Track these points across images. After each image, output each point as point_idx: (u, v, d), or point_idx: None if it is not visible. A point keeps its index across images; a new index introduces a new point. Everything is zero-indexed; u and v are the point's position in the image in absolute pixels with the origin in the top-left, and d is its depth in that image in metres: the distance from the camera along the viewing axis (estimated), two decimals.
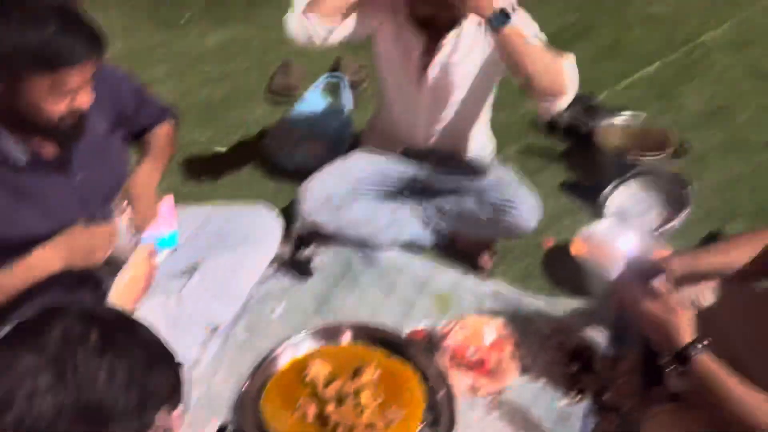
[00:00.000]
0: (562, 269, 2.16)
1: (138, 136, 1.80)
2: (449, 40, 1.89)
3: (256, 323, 1.95)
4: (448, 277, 2.10)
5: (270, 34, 3.45)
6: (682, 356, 1.34)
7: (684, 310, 1.40)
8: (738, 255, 1.57)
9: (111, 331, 0.88)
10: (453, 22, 1.88)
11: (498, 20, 1.68)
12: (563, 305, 2.03)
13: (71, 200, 1.55)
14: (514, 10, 1.74)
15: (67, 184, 1.53)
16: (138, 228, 1.64)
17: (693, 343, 1.34)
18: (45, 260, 1.45)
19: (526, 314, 1.99)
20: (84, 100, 1.38)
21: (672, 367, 1.37)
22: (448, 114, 2.06)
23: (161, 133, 1.82)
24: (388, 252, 2.17)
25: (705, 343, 1.33)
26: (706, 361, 1.30)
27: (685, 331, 1.37)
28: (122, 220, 1.63)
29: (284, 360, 1.83)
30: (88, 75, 1.36)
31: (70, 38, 1.29)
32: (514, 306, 2.01)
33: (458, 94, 2.01)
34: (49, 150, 1.48)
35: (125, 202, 1.64)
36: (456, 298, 2.03)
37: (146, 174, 1.69)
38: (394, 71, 2.03)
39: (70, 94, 1.34)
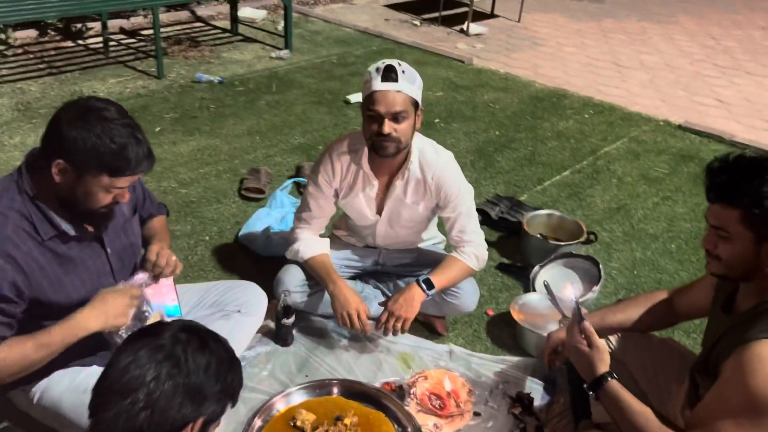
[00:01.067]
0: (502, 333, 2.58)
1: (141, 224, 2.15)
2: (399, 183, 2.31)
3: (248, 381, 2.23)
4: (410, 340, 2.47)
5: (235, 143, 3.92)
6: (599, 382, 1.74)
7: (602, 348, 1.81)
8: (633, 312, 2.02)
9: (205, 337, 1.22)
10: (398, 163, 2.29)
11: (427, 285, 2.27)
12: (505, 361, 2.42)
13: (104, 269, 1.85)
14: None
15: (102, 256, 1.84)
16: (161, 273, 1.92)
17: (607, 373, 1.74)
18: (86, 321, 1.70)
19: (476, 369, 2.37)
20: (125, 197, 1.71)
21: (591, 392, 1.77)
22: (400, 232, 2.48)
23: (161, 220, 2.18)
24: None
25: (615, 374, 1.74)
26: (615, 385, 1.68)
27: (602, 363, 1.76)
28: (143, 287, 1.95)
29: (276, 410, 2.12)
30: (134, 181, 1.70)
31: (134, 153, 1.60)
32: (466, 362, 2.40)
33: (407, 222, 2.44)
34: (87, 227, 1.78)
35: (146, 274, 1.96)
36: (417, 357, 2.40)
37: (159, 244, 2.01)
38: (355, 210, 2.43)
39: (118, 192, 1.67)
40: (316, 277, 2.39)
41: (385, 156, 2.20)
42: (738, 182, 1.48)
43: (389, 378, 2.30)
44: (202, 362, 1.17)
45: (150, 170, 1.70)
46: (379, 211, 2.40)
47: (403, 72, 2.11)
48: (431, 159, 2.29)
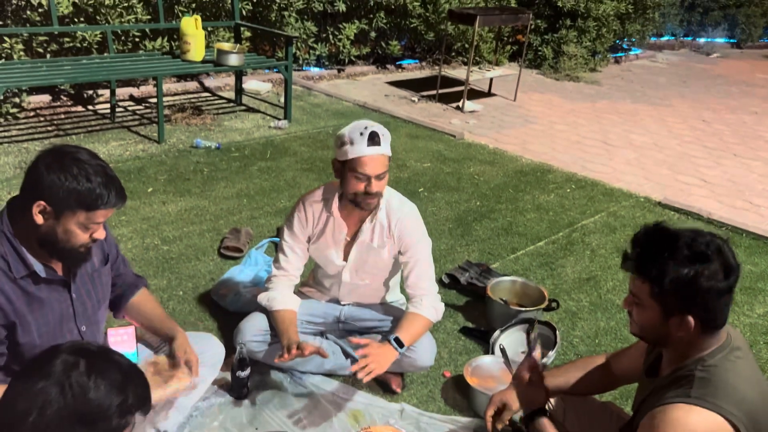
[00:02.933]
0: (456, 394, 2.62)
1: (119, 294, 2.23)
2: (366, 226, 2.47)
3: (199, 430, 2.29)
4: (363, 398, 2.52)
5: (222, 205, 4.08)
6: (531, 416, 1.80)
7: (540, 385, 1.85)
8: (572, 376, 2.08)
9: (94, 358, 1.27)
10: (369, 213, 2.45)
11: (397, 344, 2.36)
12: (455, 421, 2.45)
13: (68, 313, 1.95)
14: None
15: (66, 300, 1.94)
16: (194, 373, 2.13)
17: (540, 410, 1.81)
18: None
19: (425, 428, 2.41)
20: (101, 234, 1.85)
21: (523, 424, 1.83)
22: (365, 279, 2.59)
23: (151, 298, 2.29)
24: (314, 377, 2.59)
25: (548, 412, 1.80)
26: (545, 423, 1.76)
27: (537, 399, 1.83)
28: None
29: None
30: (108, 216, 1.84)
31: (107, 189, 1.76)
32: (416, 421, 2.43)
33: (372, 269, 2.56)
34: (56, 271, 1.91)
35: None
36: (368, 414, 2.44)
37: (183, 339, 2.18)
38: (323, 255, 2.56)
39: (93, 229, 1.80)
40: (276, 328, 2.47)
41: (367, 209, 2.39)
42: (647, 257, 1.54)
43: None
44: (90, 385, 1.22)
45: (123, 204, 1.83)
46: (346, 258, 2.52)
47: (383, 135, 2.30)
48: (396, 207, 2.46)
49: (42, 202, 1.72)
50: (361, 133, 2.26)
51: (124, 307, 2.24)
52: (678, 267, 1.48)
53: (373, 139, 2.26)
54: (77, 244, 1.80)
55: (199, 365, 2.32)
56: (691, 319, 1.51)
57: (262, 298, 2.54)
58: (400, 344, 2.35)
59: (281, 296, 2.50)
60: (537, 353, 1.95)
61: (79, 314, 1.98)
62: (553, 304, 3.13)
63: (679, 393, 1.51)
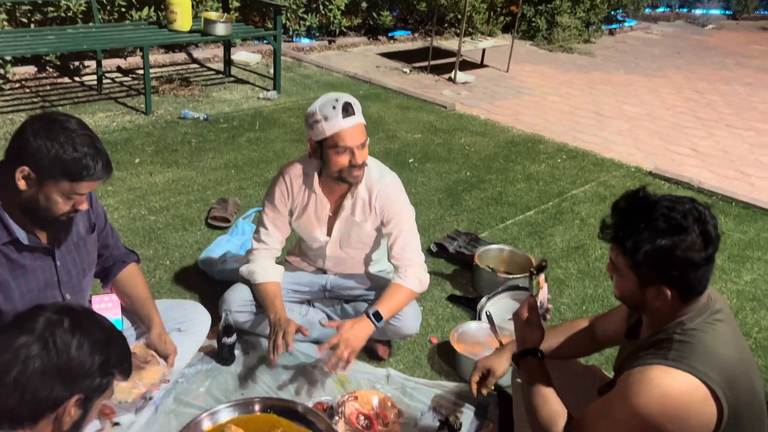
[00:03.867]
0: (442, 360, 2.62)
1: (108, 266, 2.22)
2: (347, 202, 2.43)
3: (184, 396, 2.29)
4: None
5: (210, 175, 4.05)
6: (523, 354, 1.78)
7: (537, 326, 1.82)
8: (555, 340, 2.07)
9: (78, 317, 1.28)
10: (350, 188, 2.41)
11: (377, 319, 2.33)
12: (441, 386, 2.46)
13: (52, 281, 1.93)
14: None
15: (51, 268, 1.92)
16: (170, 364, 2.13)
17: (533, 350, 1.79)
18: None
19: (411, 393, 2.41)
20: (84, 206, 1.82)
21: (515, 362, 1.82)
22: (349, 252, 2.58)
23: (141, 277, 2.26)
24: (300, 344, 2.59)
25: (542, 354, 1.79)
26: (533, 363, 1.74)
27: (532, 339, 1.80)
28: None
29: (205, 426, 2.16)
30: (93, 188, 1.82)
31: (94, 161, 1.73)
32: (402, 386, 2.44)
33: (356, 243, 2.54)
34: (40, 239, 1.89)
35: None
36: (354, 380, 2.44)
37: (160, 329, 2.16)
38: (306, 231, 2.54)
39: (77, 199, 1.77)
40: (261, 302, 2.46)
41: (357, 183, 2.35)
42: (623, 227, 1.50)
43: (323, 398, 2.34)
44: (73, 342, 1.23)
45: (108, 178, 1.79)
46: (330, 233, 2.50)
47: (355, 103, 2.25)
48: (376, 179, 2.42)
49: (26, 168, 1.69)
50: (334, 107, 2.20)
51: (111, 282, 2.22)
52: (653, 239, 1.44)
53: (347, 110, 2.20)
54: (58, 213, 1.77)
55: (185, 333, 2.33)
56: (667, 290, 1.49)
57: (244, 270, 2.51)
58: (379, 318, 2.32)
59: (262, 269, 2.47)
60: (533, 298, 1.92)
61: (63, 282, 1.96)
62: (543, 263, 3.10)
63: (657, 355, 1.50)
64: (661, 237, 1.44)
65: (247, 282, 2.54)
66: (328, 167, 2.30)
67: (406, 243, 2.45)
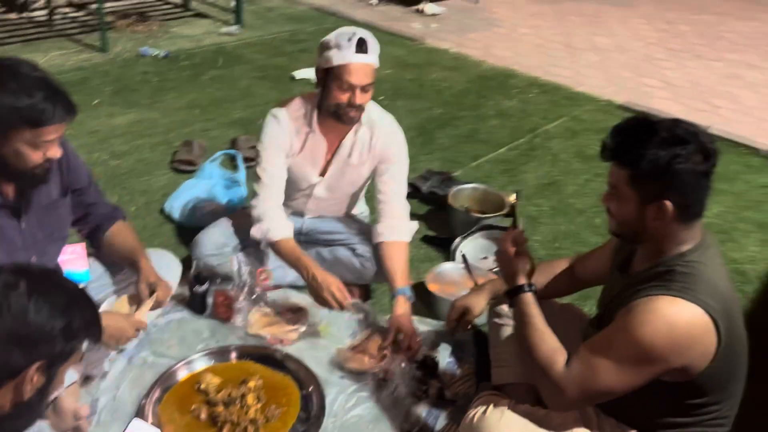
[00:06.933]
0: (418, 300, 2.61)
1: (96, 225, 2.14)
2: (347, 142, 2.36)
3: (158, 347, 2.25)
4: (325, 311, 2.47)
5: (173, 116, 3.91)
6: (517, 290, 1.76)
7: (527, 259, 1.79)
8: (535, 279, 2.07)
9: (36, 280, 1.20)
10: (350, 127, 2.33)
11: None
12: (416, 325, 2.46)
13: (16, 241, 1.84)
14: None
15: (15, 228, 1.83)
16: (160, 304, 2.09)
17: (526, 284, 1.77)
18: None
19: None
20: (55, 152, 1.71)
21: (508, 298, 1.80)
22: (336, 195, 2.52)
23: (129, 233, 2.19)
24: (275, 293, 2.55)
25: (534, 287, 1.78)
26: (529, 298, 1.73)
27: (524, 273, 1.78)
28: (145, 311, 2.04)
29: (181, 375, 2.14)
30: (60, 132, 1.70)
31: (52, 103, 1.62)
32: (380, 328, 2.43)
33: (346, 186, 2.48)
34: (8, 194, 1.79)
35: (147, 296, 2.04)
36: (335, 325, 2.42)
37: (149, 267, 2.09)
38: (299, 171, 2.43)
39: (46, 147, 1.67)
40: (284, 261, 2.35)
41: (349, 124, 2.27)
42: (628, 143, 1.53)
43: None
44: (30, 306, 1.15)
45: (72, 118, 1.70)
46: (323, 173, 2.43)
47: (372, 43, 2.16)
48: (377, 121, 2.36)
49: None
50: (349, 39, 2.11)
51: (101, 241, 2.14)
52: (656, 149, 1.47)
53: (361, 46, 2.12)
54: (30, 165, 1.68)
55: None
56: (668, 204, 1.49)
57: (256, 231, 2.34)
58: (406, 292, 2.30)
59: (277, 224, 2.33)
60: (520, 229, 1.88)
61: (28, 245, 1.87)
62: (518, 192, 3.05)
63: (661, 286, 1.51)
64: (663, 148, 1.47)
65: (218, 225, 2.48)
66: (327, 99, 2.23)
67: (399, 191, 2.42)
